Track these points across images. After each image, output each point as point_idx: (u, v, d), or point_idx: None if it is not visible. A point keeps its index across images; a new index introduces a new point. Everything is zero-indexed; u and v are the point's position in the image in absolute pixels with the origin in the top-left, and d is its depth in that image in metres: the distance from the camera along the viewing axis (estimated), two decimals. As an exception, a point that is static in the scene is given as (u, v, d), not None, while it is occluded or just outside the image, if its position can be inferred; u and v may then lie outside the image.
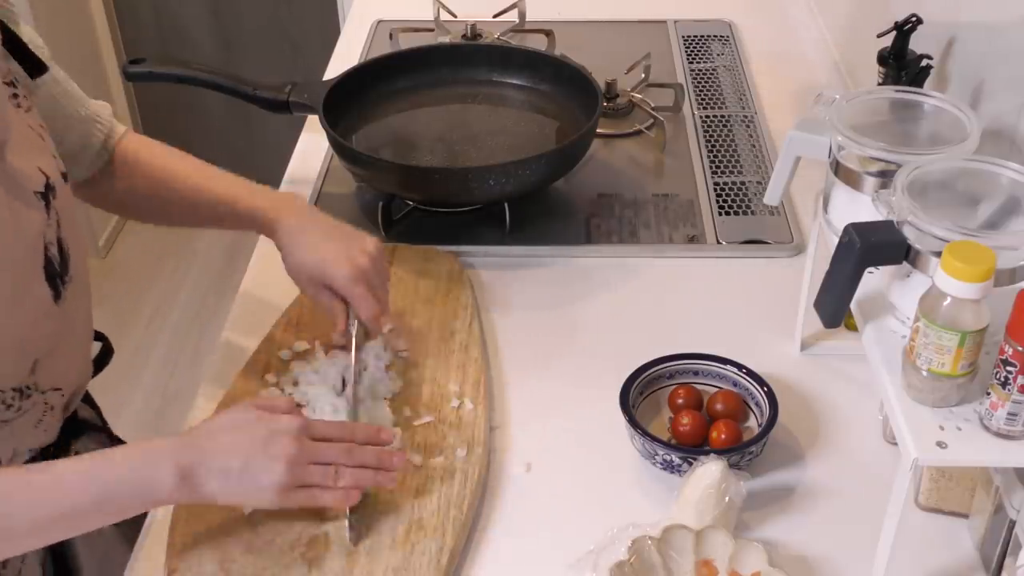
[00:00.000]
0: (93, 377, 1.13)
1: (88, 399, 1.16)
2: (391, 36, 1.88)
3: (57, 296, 0.95)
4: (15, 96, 0.97)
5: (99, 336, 1.15)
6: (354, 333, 1.11)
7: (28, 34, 1.03)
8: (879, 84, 1.36)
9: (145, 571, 0.98)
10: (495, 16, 1.94)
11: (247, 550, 0.96)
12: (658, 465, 1.06)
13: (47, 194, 0.95)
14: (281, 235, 1.14)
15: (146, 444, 0.92)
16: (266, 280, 1.35)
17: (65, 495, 0.87)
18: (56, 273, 0.95)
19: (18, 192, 0.92)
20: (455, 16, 1.95)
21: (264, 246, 1.41)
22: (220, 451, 0.91)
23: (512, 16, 1.93)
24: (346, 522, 0.97)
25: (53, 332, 0.96)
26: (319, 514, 0.99)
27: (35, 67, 1.00)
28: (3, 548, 0.89)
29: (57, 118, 1.08)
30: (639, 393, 1.11)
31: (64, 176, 1.00)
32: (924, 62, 1.32)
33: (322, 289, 1.13)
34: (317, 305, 1.16)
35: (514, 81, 1.61)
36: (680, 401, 1.11)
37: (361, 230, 1.17)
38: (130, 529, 1.11)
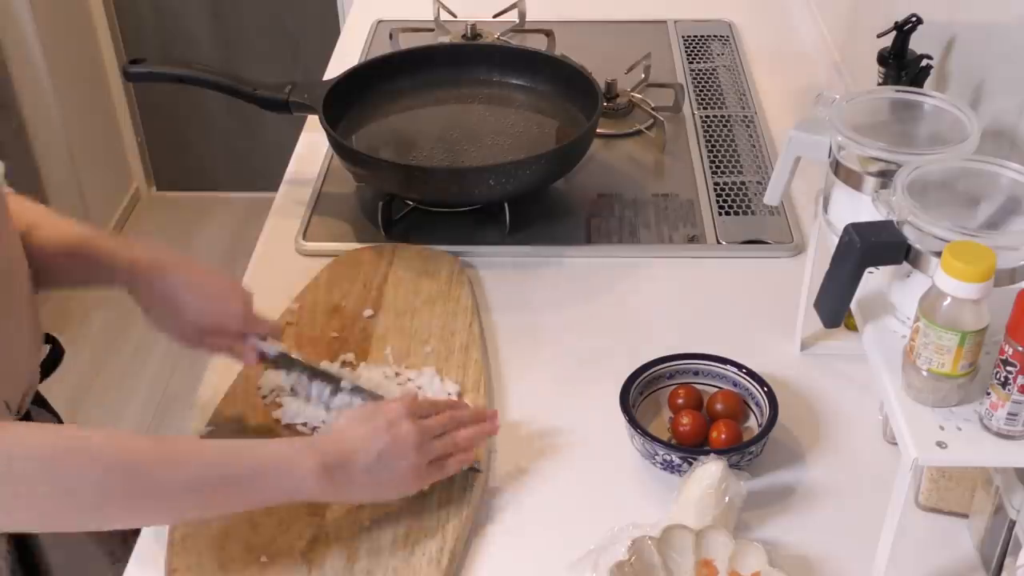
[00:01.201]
0: (44, 379, 1.10)
1: (43, 403, 1.14)
2: (391, 36, 1.88)
3: None
4: None
5: (49, 338, 1.12)
6: (270, 353, 1.10)
7: None
8: (879, 84, 1.36)
9: (145, 571, 0.98)
10: (495, 16, 1.94)
11: (247, 550, 0.96)
12: (658, 465, 1.06)
13: None
14: (144, 286, 1.06)
15: (291, 440, 0.94)
16: (266, 280, 1.35)
17: (220, 465, 0.88)
18: None
19: None
20: (455, 16, 1.95)
21: (264, 246, 1.42)
22: (356, 447, 0.93)
23: (512, 16, 1.93)
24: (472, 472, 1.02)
25: None
26: (319, 514, 0.99)
27: None
28: (155, 506, 0.87)
29: None
30: (639, 393, 1.11)
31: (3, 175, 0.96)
32: (924, 62, 1.32)
33: (207, 333, 1.08)
34: (210, 351, 1.11)
35: (514, 81, 1.61)
36: (680, 401, 1.11)
37: (230, 282, 1.12)
38: (109, 542, 1.11)
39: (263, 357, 1.11)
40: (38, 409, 1.12)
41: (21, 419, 1.03)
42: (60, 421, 1.17)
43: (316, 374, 1.11)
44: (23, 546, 1.05)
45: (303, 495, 0.92)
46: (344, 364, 1.17)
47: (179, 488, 0.87)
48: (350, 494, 0.95)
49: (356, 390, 1.10)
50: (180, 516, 0.93)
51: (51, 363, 1.13)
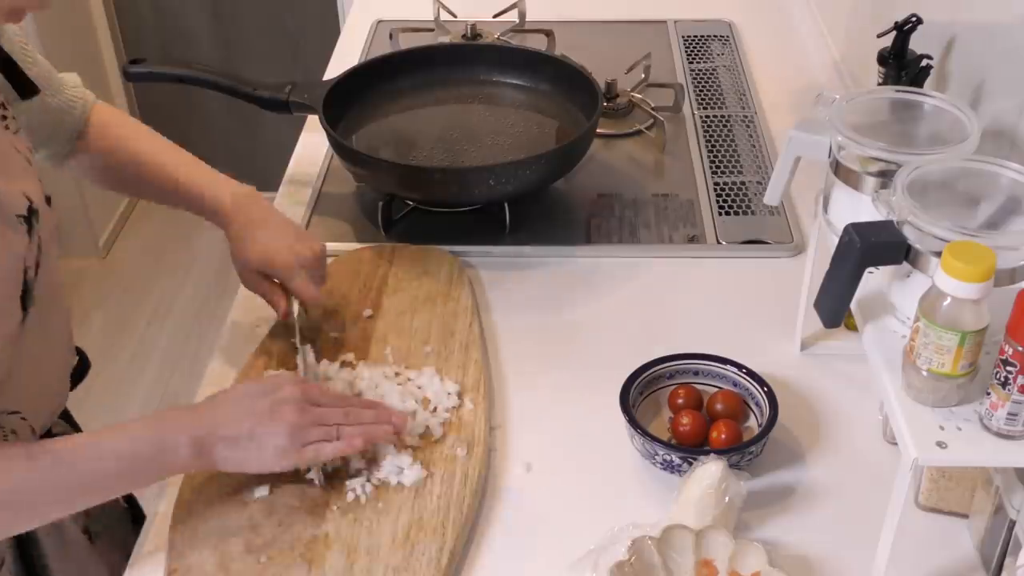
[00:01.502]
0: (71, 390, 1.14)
1: (67, 417, 1.17)
2: (391, 36, 1.88)
3: (23, 319, 0.95)
4: (3, 118, 0.96)
5: (76, 350, 1.16)
6: (296, 315, 1.18)
7: (11, 31, 1.05)
8: (879, 84, 1.36)
9: (145, 571, 0.98)
10: (495, 16, 1.94)
11: (247, 550, 0.96)
12: (658, 465, 1.06)
13: (30, 218, 0.94)
14: (230, 228, 1.19)
15: (161, 418, 0.98)
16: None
17: (89, 465, 0.93)
18: (27, 296, 0.94)
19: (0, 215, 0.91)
20: (455, 16, 1.95)
21: (264, 246, 1.41)
22: (229, 421, 0.97)
23: (512, 16, 1.93)
24: (317, 478, 1.02)
25: (17, 355, 0.96)
26: (319, 514, 0.99)
27: (27, 88, 1.03)
28: (29, 517, 0.94)
29: (48, 108, 1.12)
30: (639, 393, 1.11)
31: (48, 200, 0.99)
32: (924, 62, 1.32)
33: (261, 280, 1.18)
34: (257, 293, 1.20)
35: (514, 81, 1.61)
36: (680, 401, 1.11)
37: (310, 232, 1.22)
38: (106, 547, 1.12)
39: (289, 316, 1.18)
40: (63, 424, 1.15)
41: (44, 435, 1.05)
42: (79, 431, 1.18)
43: (317, 376, 1.13)
44: (27, 558, 1.07)
45: (179, 470, 0.99)
46: (344, 364, 1.17)
47: (58, 497, 0.93)
48: (221, 466, 0.97)
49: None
50: (67, 512, 1.01)
51: (77, 375, 1.17)
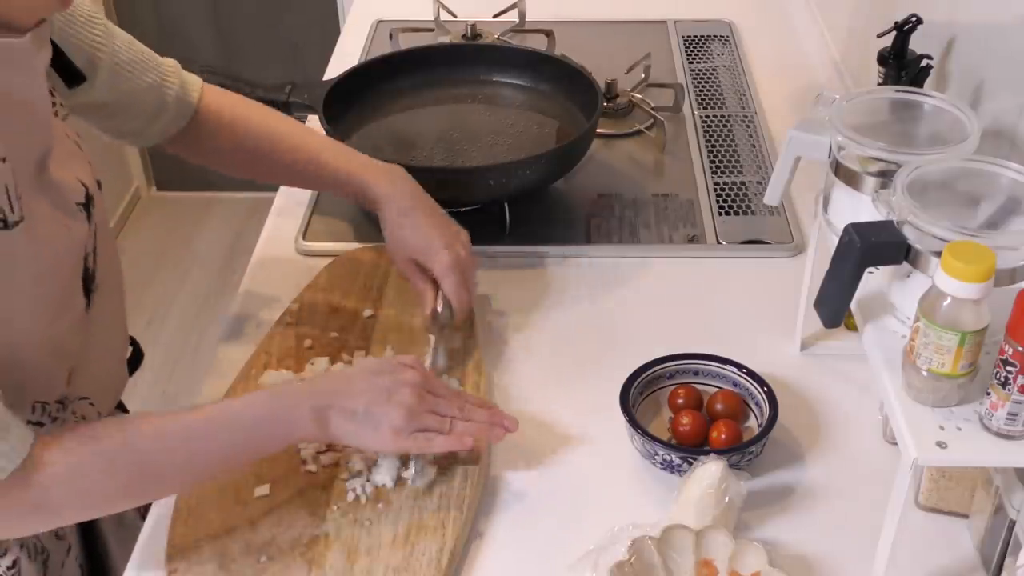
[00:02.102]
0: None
1: (122, 407, 1.19)
2: (391, 36, 1.88)
3: (88, 305, 0.97)
4: (53, 104, 0.97)
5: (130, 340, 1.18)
6: (440, 314, 1.17)
7: (81, 12, 1.06)
8: (879, 84, 1.36)
9: (145, 571, 0.98)
10: (495, 16, 1.94)
11: (247, 550, 0.96)
12: (658, 465, 1.06)
13: (87, 204, 0.97)
14: (388, 211, 1.19)
15: (284, 388, 1.01)
16: (266, 280, 1.35)
17: (218, 431, 0.94)
18: (90, 282, 0.97)
19: (63, 204, 0.93)
20: (455, 16, 1.95)
21: (264, 246, 1.41)
22: (348, 395, 0.97)
23: (512, 16, 1.93)
24: (411, 468, 1.02)
25: (84, 341, 0.97)
26: (319, 514, 0.99)
27: (73, 77, 1.03)
28: (164, 484, 0.95)
29: (121, 92, 1.11)
30: (639, 393, 1.11)
31: (99, 184, 1.01)
32: (924, 62, 1.32)
33: (415, 269, 1.18)
34: (409, 281, 1.20)
35: (514, 81, 1.61)
36: (680, 401, 1.11)
37: (463, 229, 1.22)
38: None
39: (434, 315, 1.18)
40: (118, 412, 1.16)
41: None
42: None
43: (444, 359, 1.16)
44: (90, 547, 1.10)
45: (299, 438, 0.99)
46: (346, 363, 1.17)
47: (185, 465, 0.94)
48: (339, 435, 0.98)
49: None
50: (195, 483, 1.00)
51: (132, 363, 1.18)
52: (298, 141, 1.23)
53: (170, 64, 1.18)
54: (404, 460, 1.03)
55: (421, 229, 1.18)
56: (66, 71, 1.01)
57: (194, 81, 1.19)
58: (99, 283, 0.99)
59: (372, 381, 0.98)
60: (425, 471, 1.02)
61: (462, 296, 1.17)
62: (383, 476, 1.02)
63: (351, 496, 1.01)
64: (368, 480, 1.02)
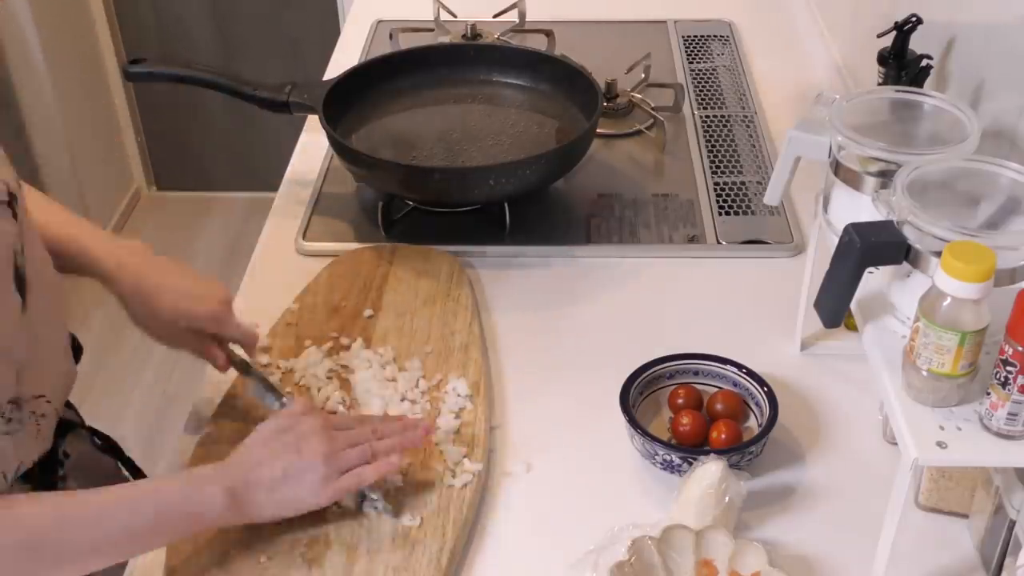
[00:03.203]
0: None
1: (68, 404, 1.15)
2: (391, 36, 1.88)
3: (24, 304, 0.94)
4: None
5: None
6: (247, 360, 1.12)
7: None
8: (879, 84, 1.36)
9: (145, 571, 0.98)
10: (495, 16, 1.94)
11: (247, 550, 0.96)
12: (658, 465, 1.06)
13: (11, 203, 0.94)
14: (127, 285, 1.09)
15: (189, 474, 0.97)
16: (266, 280, 1.35)
17: (122, 517, 0.90)
18: (22, 281, 0.94)
19: None
20: (455, 16, 1.95)
21: (264, 246, 1.41)
22: (258, 465, 0.94)
23: (512, 16, 1.93)
24: (379, 504, 0.99)
25: (26, 340, 0.95)
26: (319, 514, 0.99)
27: None
28: (67, 569, 0.89)
29: None
30: (639, 393, 1.11)
31: (20, 183, 0.98)
32: (924, 62, 1.32)
33: (185, 335, 1.10)
34: (185, 349, 1.12)
35: (514, 81, 1.61)
36: (680, 401, 1.11)
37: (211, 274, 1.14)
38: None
39: (234, 363, 1.12)
40: (71, 411, 1.14)
41: (58, 425, 1.04)
42: (80, 417, 1.17)
43: (269, 388, 1.10)
44: None
45: (212, 523, 0.94)
46: (342, 368, 1.17)
47: (87, 550, 0.89)
48: (260, 513, 0.94)
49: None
50: (97, 567, 0.92)
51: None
52: (58, 233, 1.09)
53: None
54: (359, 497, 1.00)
55: (174, 290, 1.09)
56: None
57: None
58: (31, 281, 0.96)
59: (277, 443, 0.95)
60: (384, 502, 0.99)
61: (250, 333, 1.12)
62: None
63: (370, 510, 0.99)
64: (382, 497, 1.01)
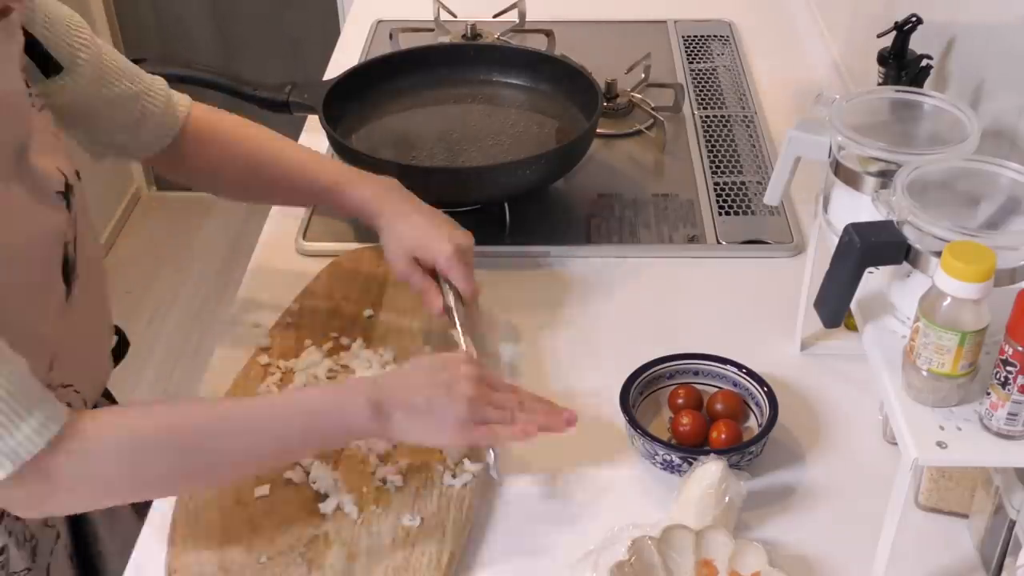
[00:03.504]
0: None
1: (107, 394, 1.18)
2: (391, 36, 1.88)
3: (68, 293, 0.97)
4: (29, 95, 0.98)
5: (116, 330, 1.18)
6: (453, 308, 1.15)
7: (64, 18, 1.04)
8: (879, 84, 1.36)
9: (145, 571, 0.98)
10: (495, 16, 1.94)
11: (247, 550, 0.96)
12: (658, 465, 1.06)
13: (67, 193, 0.97)
14: (385, 215, 1.18)
15: (342, 384, 1.03)
16: (266, 280, 1.35)
17: (276, 421, 0.94)
18: (70, 271, 0.97)
19: (41, 193, 0.94)
20: (455, 16, 1.95)
21: (264, 246, 1.42)
22: (408, 389, 0.97)
23: (512, 16, 1.93)
24: (491, 459, 1.02)
25: (65, 330, 0.98)
26: (319, 514, 0.99)
27: (51, 67, 1.02)
28: (219, 473, 0.95)
29: (102, 97, 1.09)
30: (639, 393, 1.11)
31: (78, 175, 1.01)
32: (924, 62, 1.32)
33: (415, 268, 1.16)
34: (410, 284, 1.18)
35: (514, 81, 1.61)
36: (680, 401, 1.11)
37: (456, 222, 1.20)
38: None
39: (447, 311, 1.15)
40: (105, 401, 1.16)
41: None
42: None
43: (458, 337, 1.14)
44: (79, 535, 1.10)
45: (359, 434, 0.99)
46: (343, 368, 1.17)
47: (239, 458, 0.94)
48: (400, 435, 0.97)
49: None
50: (251, 471, 1.00)
51: (117, 353, 1.18)
52: (290, 156, 1.22)
53: (158, 81, 1.17)
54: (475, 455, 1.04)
55: (420, 226, 1.17)
56: (43, 62, 1.00)
57: (182, 99, 1.19)
58: (80, 272, 0.99)
59: (431, 376, 0.98)
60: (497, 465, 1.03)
61: (468, 282, 1.16)
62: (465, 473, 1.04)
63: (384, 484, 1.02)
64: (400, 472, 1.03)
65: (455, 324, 1.14)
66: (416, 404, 0.96)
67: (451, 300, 1.15)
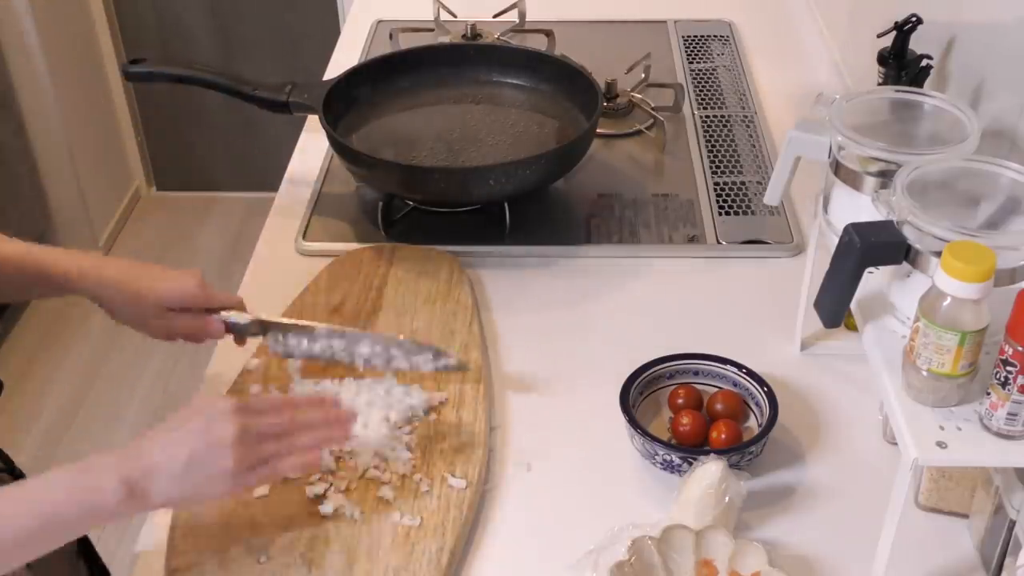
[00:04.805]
0: None
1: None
2: (391, 36, 1.88)
3: None
4: None
5: None
6: (235, 323, 1.10)
7: None
8: (879, 84, 1.36)
9: (146, 571, 0.98)
10: (495, 16, 1.94)
11: (247, 550, 0.96)
12: (658, 465, 1.06)
13: None
14: (107, 281, 1.07)
15: (87, 462, 0.88)
16: (266, 280, 1.35)
17: (8, 521, 0.83)
18: None
19: None
20: (455, 16, 1.95)
21: (264, 246, 1.42)
22: (161, 453, 0.87)
23: (512, 16, 1.93)
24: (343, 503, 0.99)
25: None
26: (319, 514, 0.99)
27: None
28: None
29: None
30: (639, 393, 1.11)
31: None
32: (924, 62, 1.32)
33: (177, 316, 1.09)
34: (174, 333, 1.10)
35: (514, 81, 1.61)
36: (680, 401, 1.11)
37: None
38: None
39: (232, 329, 1.10)
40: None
41: None
42: (5, 457, 1.14)
43: (289, 328, 1.10)
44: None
45: (111, 516, 0.86)
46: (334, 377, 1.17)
47: None
48: (163, 503, 0.89)
49: (331, 333, 1.10)
50: None
51: None
52: (11, 255, 1.07)
53: None
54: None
55: (154, 279, 1.08)
56: None
57: None
58: None
59: (183, 429, 0.89)
60: (441, 356, 1.04)
61: (233, 295, 1.11)
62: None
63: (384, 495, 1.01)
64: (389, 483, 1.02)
65: (276, 320, 1.10)
66: (175, 466, 0.86)
67: (245, 317, 1.10)
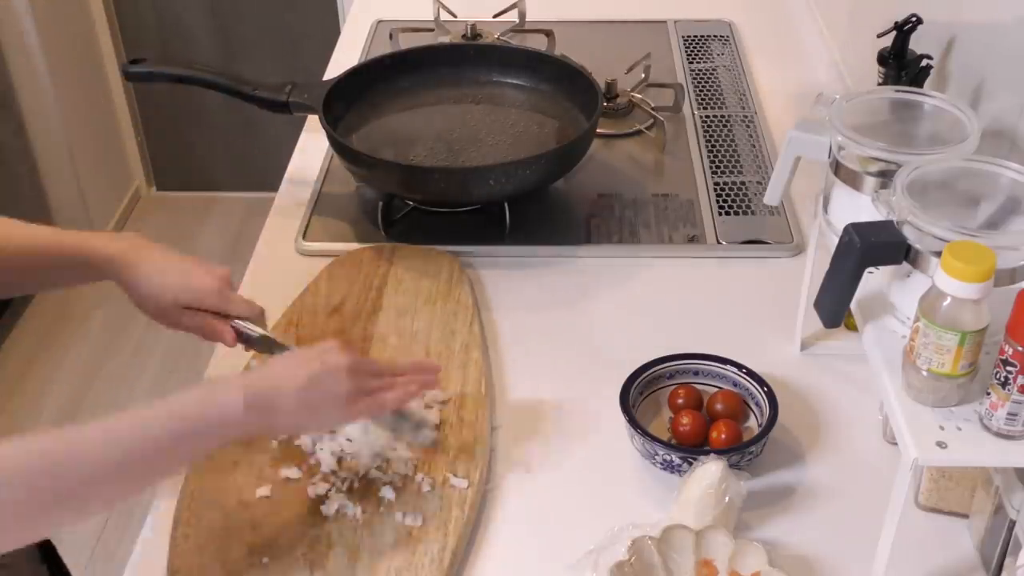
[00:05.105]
0: None
1: None
2: (391, 36, 1.88)
3: None
4: None
5: None
6: (249, 335, 1.09)
7: None
8: (879, 84, 1.36)
9: (146, 571, 0.98)
10: (495, 16, 1.94)
11: (249, 550, 0.96)
12: (658, 465, 1.06)
13: None
14: (134, 271, 1.07)
15: (211, 381, 0.96)
16: (266, 280, 1.35)
17: (133, 436, 0.86)
18: None
19: None
20: (455, 16, 1.95)
21: (264, 246, 1.42)
22: (283, 371, 0.94)
23: (512, 16, 1.93)
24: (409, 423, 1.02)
25: None
26: (321, 514, 0.99)
27: None
28: (73, 506, 0.83)
29: None
30: (639, 393, 1.11)
31: None
32: (924, 62, 1.32)
33: (189, 314, 1.08)
34: (188, 330, 1.09)
35: (514, 81, 1.61)
36: (680, 401, 1.11)
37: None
38: None
39: (243, 338, 1.10)
40: None
41: None
42: None
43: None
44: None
45: (232, 430, 0.90)
46: None
47: (98, 479, 0.84)
48: (283, 422, 0.94)
49: None
50: (118, 494, 0.88)
51: None
52: (17, 234, 1.08)
53: None
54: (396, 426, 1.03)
55: (174, 271, 1.08)
56: None
57: None
58: None
59: (301, 357, 0.96)
60: (422, 427, 1.03)
61: (252, 306, 1.10)
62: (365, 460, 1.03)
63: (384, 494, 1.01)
64: (391, 484, 1.02)
65: (276, 345, 1.09)
66: (299, 387, 0.92)
67: (257, 330, 1.09)
